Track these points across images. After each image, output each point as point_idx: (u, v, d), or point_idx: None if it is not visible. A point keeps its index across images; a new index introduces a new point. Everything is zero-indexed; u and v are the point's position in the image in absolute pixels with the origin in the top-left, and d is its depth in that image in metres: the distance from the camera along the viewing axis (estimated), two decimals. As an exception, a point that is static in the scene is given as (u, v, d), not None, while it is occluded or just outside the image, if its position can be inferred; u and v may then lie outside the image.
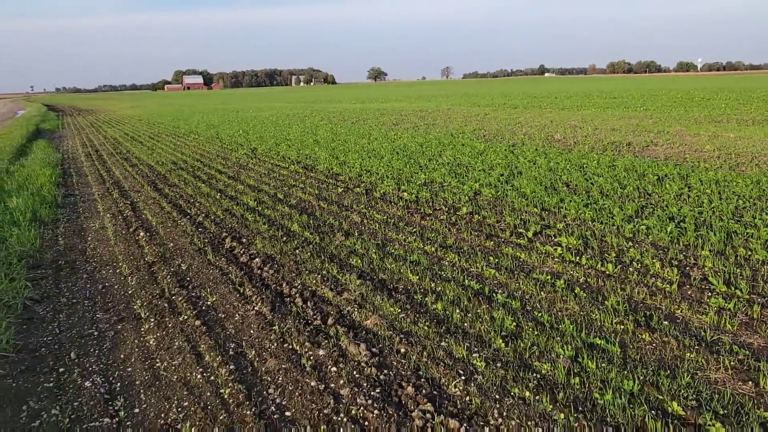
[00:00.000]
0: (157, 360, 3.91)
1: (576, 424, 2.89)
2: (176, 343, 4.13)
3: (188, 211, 8.22)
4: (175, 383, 3.60)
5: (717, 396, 3.07)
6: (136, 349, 4.09)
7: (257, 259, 5.85)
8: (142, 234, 7.08)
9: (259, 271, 5.54)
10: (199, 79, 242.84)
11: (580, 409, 3.02)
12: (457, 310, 4.30)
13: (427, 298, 4.57)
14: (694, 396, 3.08)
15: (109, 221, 7.92)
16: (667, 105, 25.45)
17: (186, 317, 4.56)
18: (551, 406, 3.06)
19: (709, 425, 2.78)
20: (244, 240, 6.59)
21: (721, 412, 2.92)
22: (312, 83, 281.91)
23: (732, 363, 3.39)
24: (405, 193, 8.36)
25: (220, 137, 18.36)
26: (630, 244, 5.64)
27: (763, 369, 3.27)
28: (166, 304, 4.85)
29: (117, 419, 3.25)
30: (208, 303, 4.85)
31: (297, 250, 6.05)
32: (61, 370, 3.85)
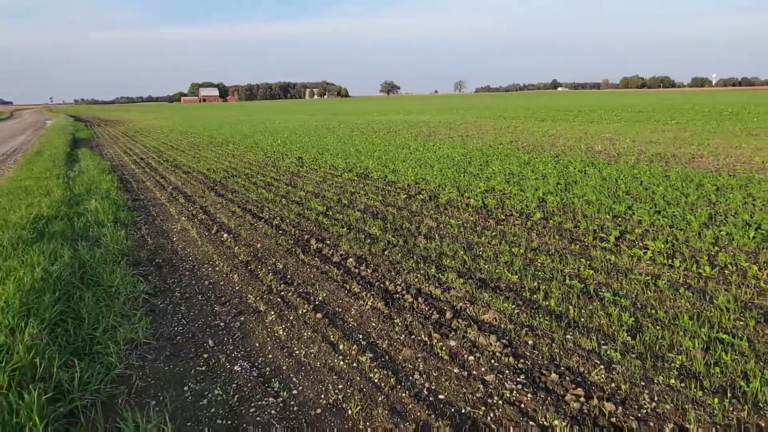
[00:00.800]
0: (294, 348, 4.13)
1: (731, 408, 3.06)
2: (305, 334, 4.35)
3: (260, 215, 8.48)
4: (321, 368, 3.81)
5: None
6: (268, 339, 4.31)
7: (350, 259, 6.07)
8: (225, 236, 7.35)
9: (356, 270, 5.76)
10: (215, 92, 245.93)
11: (730, 395, 3.20)
12: (570, 307, 4.49)
13: (536, 296, 4.77)
14: (836, 385, 3.24)
15: (187, 223, 8.20)
16: (696, 119, 25.51)
17: (304, 311, 4.78)
18: (701, 392, 3.23)
19: None
20: (328, 242, 6.82)
21: None
22: (326, 96, 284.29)
23: None
24: (471, 200, 8.57)
25: (260, 146, 18.73)
26: (717, 248, 5.80)
27: None
28: (279, 299, 5.08)
29: (281, 399, 3.46)
30: (320, 298, 5.08)
31: (386, 252, 6.27)
32: (206, 356, 4.08)
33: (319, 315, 4.66)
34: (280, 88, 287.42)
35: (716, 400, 3.14)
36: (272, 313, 4.79)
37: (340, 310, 4.80)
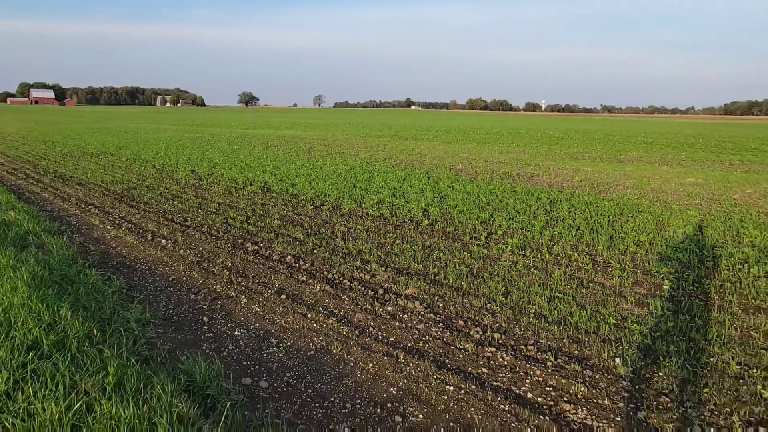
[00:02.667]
0: (275, 318, 5.55)
1: (564, 330, 5.16)
2: (278, 309, 5.78)
3: (186, 224, 9.48)
4: (301, 329, 5.30)
5: (618, 311, 5.53)
6: (250, 314, 5.67)
7: (288, 257, 7.52)
8: (164, 242, 8.32)
9: (297, 265, 7.24)
10: (50, 93, 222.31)
11: (563, 324, 5.31)
12: (463, 283, 6.45)
13: (438, 277, 6.67)
14: (617, 313, 5.51)
15: (117, 232, 8.95)
16: (533, 143, 30.15)
17: (269, 294, 6.19)
18: (547, 324, 5.31)
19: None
20: (262, 244, 8.16)
21: (612, 321, 5.36)
22: (180, 104, 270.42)
23: (631, 300, 5.91)
24: (369, 210, 10.38)
25: (143, 158, 18.87)
26: (552, 243, 8.23)
27: (650, 301, 5.82)
28: (243, 287, 6.41)
29: (282, 347, 4.91)
30: (277, 285, 6.49)
31: (314, 251, 7.81)
32: (206, 327, 5.35)
33: (283, 296, 6.10)
34: (127, 93, 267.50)
35: (556, 327, 5.23)
36: (243, 297, 6.12)
37: (297, 293, 6.27)
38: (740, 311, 5.63)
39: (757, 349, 4.78)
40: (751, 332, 5.14)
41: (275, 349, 4.89)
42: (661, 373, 4.39)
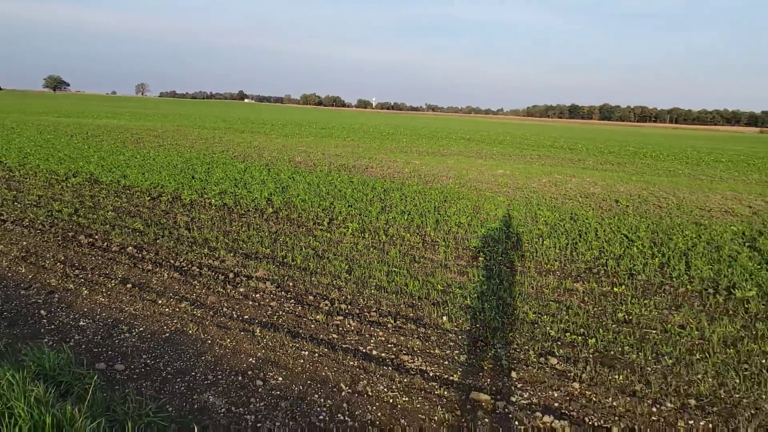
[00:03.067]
0: (123, 306, 5.48)
1: (401, 298, 5.90)
2: (125, 298, 5.70)
3: (2, 217, 8.57)
4: (154, 314, 5.33)
5: (444, 279, 6.47)
6: (94, 305, 5.52)
7: (129, 248, 7.30)
8: (-25, 237, 7.49)
9: (140, 255, 7.07)
10: None
11: (400, 293, 6.06)
12: (310, 263, 6.92)
13: (286, 259, 7.05)
14: (444, 282, 6.42)
15: None
16: (366, 137, 31.60)
17: (113, 284, 6.03)
18: (386, 293, 6.01)
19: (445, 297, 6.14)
20: (98, 237, 7.78)
21: (440, 288, 6.31)
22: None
23: (454, 270, 6.90)
24: (212, 200, 10.33)
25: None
26: (387, 226, 9.07)
27: (469, 270, 6.86)
28: (82, 279, 6.15)
29: (134, 333, 4.92)
30: (120, 275, 6.33)
31: (158, 241, 7.68)
32: (45, 321, 5.11)
33: (128, 285, 6.00)
34: None
35: (394, 296, 5.96)
36: (84, 289, 5.88)
37: (144, 281, 6.20)
38: (536, 274, 6.91)
39: (547, 301, 5.98)
40: (543, 289, 6.38)
41: (127, 335, 4.89)
42: (478, 325, 5.32)
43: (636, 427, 3.67)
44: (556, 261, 7.45)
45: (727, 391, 4.20)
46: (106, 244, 7.47)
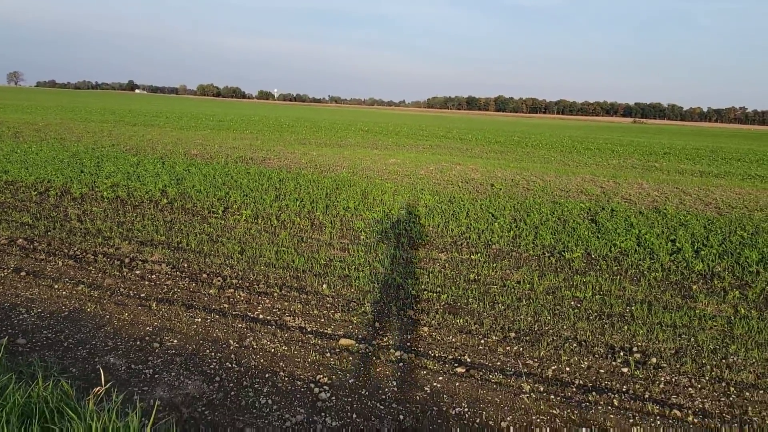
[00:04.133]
0: (19, 292, 5.78)
1: (287, 273, 6.65)
2: (20, 285, 5.97)
3: None
4: (51, 298, 5.69)
5: (327, 255, 7.31)
6: (-12, 292, 5.77)
7: (19, 240, 7.44)
8: None
9: (32, 247, 7.25)
10: None
11: (288, 268, 6.80)
12: (204, 247, 7.47)
13: (181, 244, 7.55)
14: (326, 257, 7.25)
15: None
16: (265, 129, 31.71)
17: (7, 273, 6.26)
18: (281, 270, 6.73)
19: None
20: (-17, 231, 7.79)
21: (322, 262, 7.15)
22: None
23: (337, 247, 7.75)
24: (104, 193, 10.43)
25: None
26: (280, 212, 9.74)
27: (350, 247, 7.73)
28: (-28, 271, 6.30)
29: (33, 313, 5.28)
30: (13, 266, 6.54)
31: (49, 233, 7.84)
32: (-62, 308, 5.32)
33: (22, 274, 6.26)
34: None
35: (281, 270, 6.70)
36: (-25, 279, 6.08)
37: (38, 269, 6.47)
38: (408, 248, 7.94)
39: (413, 269, 7.00)
40: (412, 260, 7.40)
41: (26, 315, 5.25)
42: (352, 290, 6.20)
43: (466, 354, 4.71)
44: (427, 237, 8.53)
45: (540, 325, 5.39)
46: (-7, 237, 7.54)
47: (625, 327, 5.42)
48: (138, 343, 4.79)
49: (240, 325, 5.21)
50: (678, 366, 4.67)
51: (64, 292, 5.82)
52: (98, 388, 3.53)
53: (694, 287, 6.63)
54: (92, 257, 6.93)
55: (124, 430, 3.04)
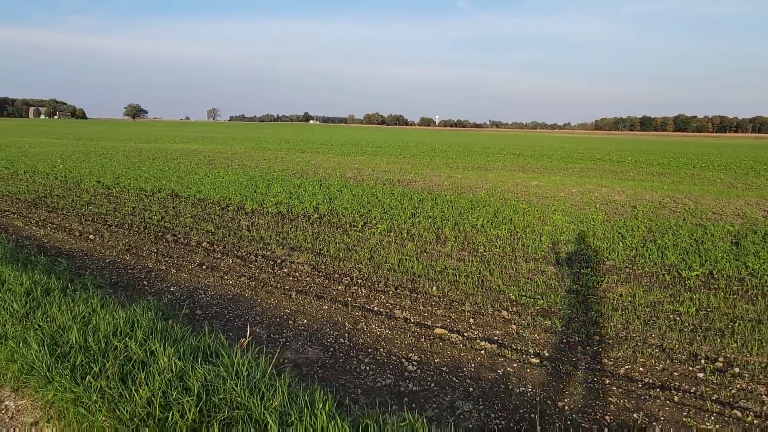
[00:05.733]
0: (200, 279, 7.52)
1: (404, 277, 7.64)
2: (201, 274, 7.74)
3: (108, 222, 11.02)
4: (221, 285, 7.33)
5: (443, 264, 8.12)
6: (180, 279, 7.59)
7: (204, 243, 9.45)
8: (91, 236, 9.88)
9: (212, 248, 9.18)
10: None
11: (406, 273, 7.79)
12: (340, 253, 8.78)
13: (322, 251, 8.96)
14: (442, 265, 8.08)
15: (44, 230, 10.33)
16: (417, 155, 33.49)
17: (192, 267, 8.12)
18: (401, 274, 7.76)
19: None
20: (180, 235, 9.99)
21: (438, 269, 7.95)
22: (57, 116, 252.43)
23: (454, 257, 8.54)
24: (269, 209, 12.46)
25: (41, 171, 19.47)
26: (412, 227, 10.81)
27: (465, 257, 8.47)
28: (170, 263, 8.28)
29: (208, 294, 6.92)
30: (198, 261, 8.42)
31: (225, 238, 9.79)
32: (146, 288, 7.21)
33: (204, 267, 8.08)
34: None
35: (400, 274, 7.70)
36: (172, 269, 8.00)
37: (215, 265, 8.26)
38: (522, 261, 8.44)
39: (513, 273, 7.53)
40: (519, 270, 7.92)
41: (203, 295, 6.91)
42: (458, 292, 6.97)
43: (545, 349, 5.23)
44: (542, 251, 8.94)
45: (628, 332, 5.66)
46: (186, 240, 9.66)
47: (719, 340, 5.45)
48: (278, 320, 6.10)
49: (357, 314, 6.29)
50: (760, 377, 4.69)
51: (230, 282, 7.45)
52: (243, 339, 4.82)
53: (823, 311, 6.24)
54: (254, 257, 8.61)
55: (255, 367, 4.22)
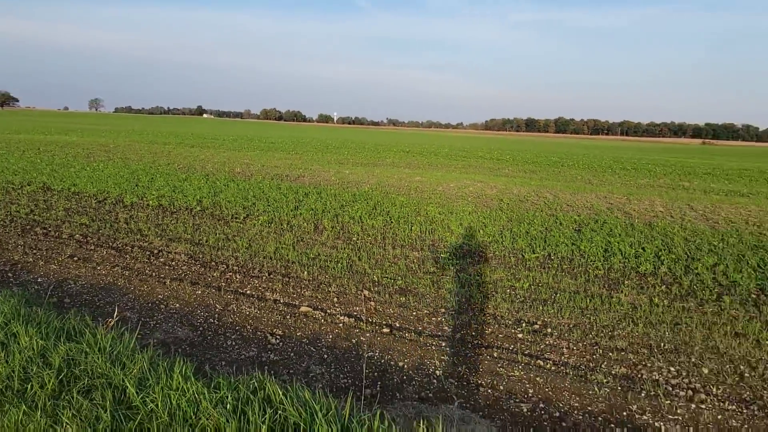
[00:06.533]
0: (70, 270, 7.49)
1: (279, 263, 8.11)
2: (72, 266, 7.70)
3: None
4: (93, 275, 7.37)
5: (317, 251, 8.70)
6: (49, 270, 7.51)
7: (77, 236, 9.28)
8: (-51, 230, 9.33)
9: (85, 240, 9.06)
10: None
11: (281, 260, 8.26)
12: (220, 243, 9.06)
13: (201, 241, 9.17)
14: (316, 252, 8.65)
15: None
16: (310, 151, 33.83)
17: (63, 258, 8.03)
18: (275, 261, 8.21)
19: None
20: (50, 229, 9.70)
21: (312, 255, 8.54)
22: None
23: (328, 245, 9.14)
24: (150, 202, 12.34)
25: None
26: (293, 219, 11.27)
27: (338, 244, 9.10)
28: (39, 256, 8.12)
29: (78, 284, 6.96)
30: (69, 253, 8.32)
31: (100, 231, 9.66)
32: (11, 278, 7.08)
33: (75, 259, 8.02)
34: None
35: (275, 261, 8.16)
36: (41, 261, 7.87)
37: (87, 256, 8.21)
38: (391, 247, 9.23)
39: (381, 259, 8.28)
40: (386, 255, 8.68)
41: (73, 285, 6.94)
42: (327, 275, 7.57)
43: (397, 321, 5.96)
44: (409, 240, 9.81)
45: (459, 304, 6.56)
46: (57, 233, 9.44)
47: (541, 308, 6.51)
48: (150, 305, 6.34)
49: (229, 297, 6.68)
50: (566, 335, 5.74)
51: (103, 272, 7.50)
52: (110, 319, 5.07)
53: (627, 282, 7.57)
54: (129, 249, 8.65)
55: (119, 343, 4.52)
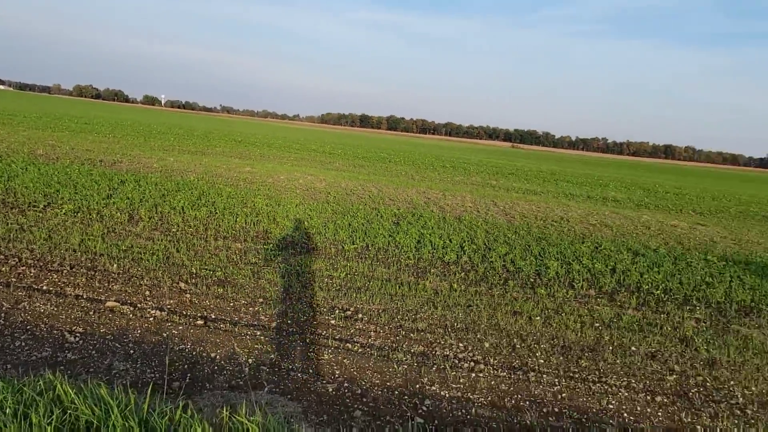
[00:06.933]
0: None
1: (84, 256, 7.50)
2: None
3: None
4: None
5: (130, 243, 8.24)
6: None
7: None
8: None
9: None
10: None
11: (86, 253, 7.63)
12: (11, 234, 8.06)
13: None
14: (129, 244, 8.16)
15: None
16: (131, 134, 31.20)
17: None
18: (80, 254, 7.54)
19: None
20: None
21: (123, 248, 8.09)
22: None
23: (144, 236, 8.67)
24: None
25: None
26: (105, 208, 10.41)
27: (155, 236, 8.68)
28: None
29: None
30: None
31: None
32: None
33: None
34: None
35: (79, 254, 7.52)
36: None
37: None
38: (212, 239, 9.05)
39: (199, 251, 8.12)
40: (202, 246, 8.52)
41: None
42: (139, 268, 7.20)
43: (214, 312, 5.93)
44: (233, 231, 9.71)
45: (270, 290, 6.76)
46: None
47: (354, 295, 6.95)
48: None
49: (20, 294, 6.04)
50: (375, 319, 6.23)
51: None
52: None
53: (433, 270, 8.39)
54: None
55: None
